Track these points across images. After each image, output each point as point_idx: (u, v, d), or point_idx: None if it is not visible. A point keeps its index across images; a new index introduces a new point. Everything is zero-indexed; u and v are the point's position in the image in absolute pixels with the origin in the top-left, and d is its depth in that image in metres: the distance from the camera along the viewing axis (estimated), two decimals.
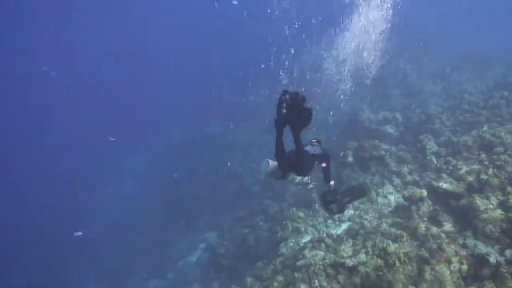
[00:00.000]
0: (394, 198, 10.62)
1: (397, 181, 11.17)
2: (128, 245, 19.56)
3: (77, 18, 40.66)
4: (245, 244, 13.21)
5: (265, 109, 24.82)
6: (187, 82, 37.82)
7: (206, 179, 20.47)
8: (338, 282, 7.39)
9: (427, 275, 6.09)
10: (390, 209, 10.21)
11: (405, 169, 11.49)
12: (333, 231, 10.19)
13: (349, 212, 10.93)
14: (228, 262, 13.64)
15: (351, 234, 9.36)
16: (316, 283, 7.48)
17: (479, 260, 6.22)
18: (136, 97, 42.69)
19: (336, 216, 10.92)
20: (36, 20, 39.79)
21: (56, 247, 22.03)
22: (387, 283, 6.29)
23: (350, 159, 12.52)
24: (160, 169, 25.24)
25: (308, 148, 5.36)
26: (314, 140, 5.74)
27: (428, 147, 11.75)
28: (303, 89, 4.23)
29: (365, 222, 9.53)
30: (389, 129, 14.71)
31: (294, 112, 4.13)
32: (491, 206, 7.63)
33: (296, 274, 8.20)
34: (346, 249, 8.26)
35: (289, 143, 4.70)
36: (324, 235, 9.62)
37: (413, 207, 8.86)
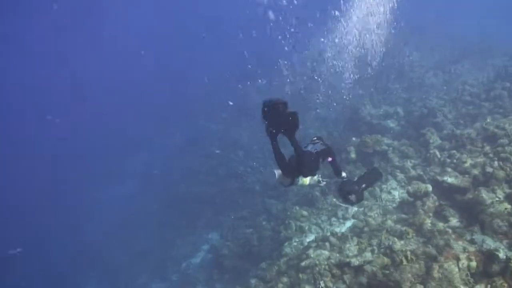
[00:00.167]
0: (398, 194, 10.46)
1: (400, 176, 11.00)
2: (129, 247, 19.44)
3: (75, 18, 40.71)
4: (248, 244, 13.12)
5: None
6: (186, 82, 37.68)
7: (207, 179, 20.33)
8: (344, 282, 7.25)
9: (435, 273, 5.94)
10: (394, 205, 10.05)
11: (408, 164, 11.32)
12: (337, 229, 10.06)
13: (352, 209, 10.80)
14: (232, 263, 13.54)
15: (356, 232, 9.22)
16: (322, 284, 7.34)
17: (487, 256, 6.06)
18: (135, 98, 42.46)
19: (340, 214, 10.80)
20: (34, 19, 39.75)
21: (56, 248, 22.16)
22: (395, 282, 6.14)
23: (353, 155, 12.40)
24: (160, 170, 25.11)
25: (309, 147, 5.35)
26: (315, 138, 5.72)
27: (431, 141, 11.59)
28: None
29: (370, 219, 9.37)
30: (391, 123, 14.55)
31: (280, 120, 4.12)
32: (497, 199, 7.46)
33: (300, 275, 8.06)
34: (351, 247, 8.12)
35: (290, 147, 4.65)
36: (328, 234, 9.48)
37: (418, 203, 8.71)
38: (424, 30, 25.64)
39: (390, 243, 7.40)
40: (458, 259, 6.06)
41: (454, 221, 7.79)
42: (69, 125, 42.07)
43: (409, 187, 9.18)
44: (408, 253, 6.66)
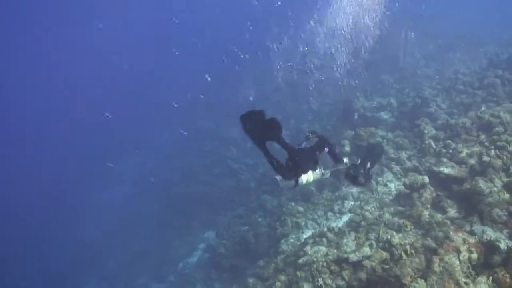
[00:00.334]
0: (394, 186, 10.33)
1: (396, 168, 10.87)
2: (126, 249, 19.28)
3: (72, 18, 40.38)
4: (245, 242, 12.96)
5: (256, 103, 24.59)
6: (175, 81, 37.47)
7: (201, 178, 20.13)
8: (343, 279, 7.11)
9: (436, 267, 5.80)
10: (391, 197, 9.92)
11: (403, 155, 11.18)
12: (334, 224, 9.92)
13: (349, 203, 10.67)
14: (229, 262, 13.37)
15: (353, 226, 9.08)
16: (320, 281, 7.19)
17: (488, 247, 5.94)
18: (125, 99, 42.10)
19: (336, 208, 10.66)
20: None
21: (56, 248, 22.03)
22: (395, 277, 6.00)
23: (347, 148, 12.25)
24: (154, 171, 24.89)
25: (304, 144, 5.32)
26: (308, 133, 5.64)
27: (425, 131, 11.45)
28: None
29: (367, 213, 9.23)
30: (385, 115, 14.43)
31: (261, 129, 4.15)
32: (495, 188, 7.34)
33: (298, 273, 7.91)
34: (349, 243, 7.97)
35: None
36: (325, 229, 9.33)
37: (415, 195, 8.58)
38: (417, 19, 25.54)
39: (389, 237, 7.27)
40: (458, 251, 5.93)
41: (452, 212, 7.67)
42: (66, 126, 41.87)
43: (406, 179, 9.04)
44: (408, 247, 6.51)
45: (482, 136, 9.69)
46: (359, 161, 5.67)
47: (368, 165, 5.54)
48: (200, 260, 15.52)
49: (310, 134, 5.57)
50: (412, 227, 7.72)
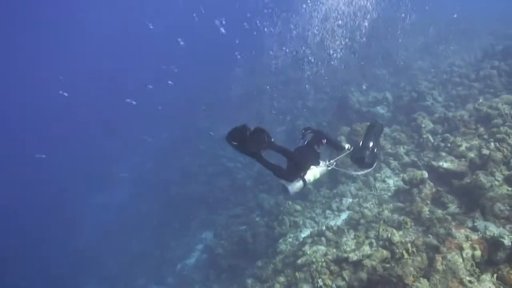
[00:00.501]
0: (393, 182, 10.15)
1: (394, 163, 10.67)
2: (124, 252, 19.15)
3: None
4: (243, 242, 12.77)
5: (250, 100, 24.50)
6: (170, 80, 37.28)
7: (198, 178, 19.95)
8: (343, 279, 6.92)
9: (439, 265, 5.63)
10: (389, 193, 9.74)
11: (401, 150, 11.00)
12: (332, 222, 9.74)
13: (347, 200, 10.50)
14: (227, 262, 13.18)
15: (352, 224, 8.90)
16: (320, 282, 7.01)
17: (492, 244, 5.76)
18: (121, 101, 41.88)
19: (334, 206, 10.48)
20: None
21: (55, 249, 21.92)
22: (397, 277, 5.83)
23: (344, 144, 12.07)
24: (151, 172, 24.76)
25: (300, 143, 5.29)
26: (303, 131, 5.60)
27: (423, 125, 11.27)
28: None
29: (366, 210, 9.03)
30: (381, 110, 14.26)
31: (250, 142, 4.16)
32: (496, 182, 7.17)
33: (297, 274, 7.73)
34: (349, 242, 7.79)
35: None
36: (324, 228, 9.14)
37: (415, 190, 8.40)
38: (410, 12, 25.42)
39: (389, 234, 7.09)
40: (461, 248, 5.75)
41: (453, 208, 7.49)
42: (65, 126, 41.65)
43: (404, 175, 8.86)
44: (409, 245, 6.33)
45: (481, 129, 9.54)
46: (361, 143, 5.59)
47: (371, 144, 5.45)
48: (198, 261, 15.35)
49: (305, 131, 5.51)
50: (412, 224, 7.56)
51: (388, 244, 6.98)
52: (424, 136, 10.70)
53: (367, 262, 6.77)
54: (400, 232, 7.30)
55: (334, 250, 7.83)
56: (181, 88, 32.28)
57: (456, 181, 8.05)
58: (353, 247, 7.58)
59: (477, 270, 5.57)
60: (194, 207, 18.14)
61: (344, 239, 8.05)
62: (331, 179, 11.40)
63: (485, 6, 28.29)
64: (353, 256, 7.16)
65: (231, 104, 25.64)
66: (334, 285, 6.97)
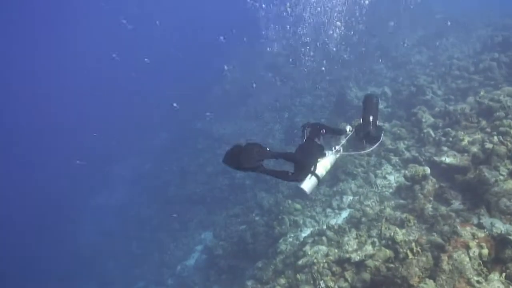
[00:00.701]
0: (394, 178, 9.96)
1: (395, 159, 10.48)
2: (123, 254, 19.06)
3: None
4: (243, 242, 12.61)
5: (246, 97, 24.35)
6: (165, 80, 37.17)
7: (196, 178, 19.75)
8: (346, 280, 6.72)
9: (445, 265, 5.42)
10: (391, 190, 9.55)
11: (402, 145, 10.80)
12: (333, 221, 9.55)
13: (347, 198, 10.30)
14: (227, 263, 13.05)
15: (353, 222, 8.70)
16: (322, 284, 6.81)
17: (499, 241, 5.56)
18: (119, 101, 41.64)
19: (335, 204, 10.28)
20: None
21: (52, 255, 21.71)
22: (401, 278, 5.62)
23: (342, 141, 11.87)
24: (149, 173, 24.58)
25: (301, 141, 5.18)
26: (302, 128, 5.45)
27: (423, 119, 11.04)
28: None
29: (367, 208, 8.83)
30: (379, 105, 14.02)
31: (248, 159, 4.18)
32: (501, 177, 6.95)
33: (299, 276, 7.52)
34: (350, 241, 7.59)
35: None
36: (325, 227, 8.93)
37: (417, 187, 8.17)
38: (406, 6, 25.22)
39: (392, 233, 6.88)
40: (468, 247, 5.54)
41: (457, 204, 7.29)
42: (63, 127, 41.40)
43: (406, 171, 8.61)
44: (413, 244, 6.13)
45: (483, 122, 9.33)
46: (361, 120, 5.46)
47: (371, 118, 5.32)
48: (198, 262, 15.19)
49: (304, 128, 5.36)
50: (415, 221, 7.37)
51: (391, 243, 6.78)
52: (425, 130, 10.49)
53: (370, 262, 6.56)
54: (403, 230, 7.11)
55: (336, 250, 7.63)
56: (178, 87, 32.07)
57: (459, 176, 7.83)
58: (355, 247, 7.39)
59: (484, 270, 5.36)
60: (193, 207, 17.98)
61: (346, 238, 7.84)
62: (331, 176, 11.20)
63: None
64: (355, 256, 6.96)
65: (227, 101, 25.51)
66: (336, 287, 6.77)
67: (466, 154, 8.33)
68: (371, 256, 6.73)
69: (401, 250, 6.40)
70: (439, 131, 10.25)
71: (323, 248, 7.98)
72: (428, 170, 8.23)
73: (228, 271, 12.92)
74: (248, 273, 11.24)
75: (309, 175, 4.70)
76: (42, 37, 45.48)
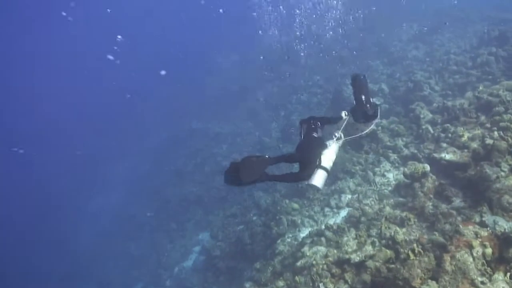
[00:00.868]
0: (393, 176, 9.77)
1: (393, 156, 10.29)
2: (121, 256, 18.89)
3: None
4: (241, 242, 12.47)
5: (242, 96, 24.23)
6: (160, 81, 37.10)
7: (194, 178, 19.58)
8: (346, 282, 6.55)
9: (448, 266, 5.26)
10: (390, 188, 9.37)
11: (400, 142, 10.61)
12: (332, 221, 9.38)
13: (346, 196, 10.13)
14: (225, 264, 12.91)
15: (352, 222, 8.53)
16: (321, 286, 6.64)
17: (503, 240, 5.40)
18: (113, 104, 41.40)
19: (334, 203, 10.10)
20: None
21: (49, 261, 21.63)
22: (403, 280, 5.46)
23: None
24: (146, 173, 24.40)
25: (299, 139, 5.11)
26: (299, 125, 5.39)
27: (421, 115, 10.87)
28: None
29: (366, 207, 8.66)
30: (377, 101, 13.84)
31: (249, 172, 4.08)
32: (503, 173, 6.79)
33: (297, 278, 7.34)
34: (350, 242, 7.41)
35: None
36: (323, 227, 8.75)
37: (416, 185, 8.01)
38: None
39: (392, 233, 6.72)
40: (471, 247, 5.39)
41: (458, 201, 7.12)
42: (58, 131, 41.22)
43: (405, 169, 8.44)
44: (414, 245, 5.96)
45: (482, 117, 9.18)
46: (354, 103, 5.44)
47: (364, 97, 5.27)
48: (196, 263, 15.02)
49: (300, 125, 5.30)
50: (416, 220, 7.19)
51: (392, 243, 6.61)
52: (423, 127, 10.32)
53: (370, 263, 6.39)
54: (404, 230, 6.95)
55: (335, 251, 7.45)
56: (173, 86, 31.98)
57: (460, 173, 7.67)
58: (354, 247, 7.21)
59: (488, 270, 5.21)
60: (191, 208, 17.80)
61: (345, 238, 7.67)
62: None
63: None
64: (355, 257, 6.79)
65: (224, 100, 25.37)
66: None
67: (466, 150, 8.16)
68: (371, 257, 6.56)
69: (402, 250, 6.24)
70: (438, 127, 10.08)
71: (322, 249, 7.82)
72: (428, 168, 8.07)
73: (226, 272, 12.77)
74: (246, 274, 11.08)
75: (317, 170, 4.65)
76: (42, 36, 45.13)
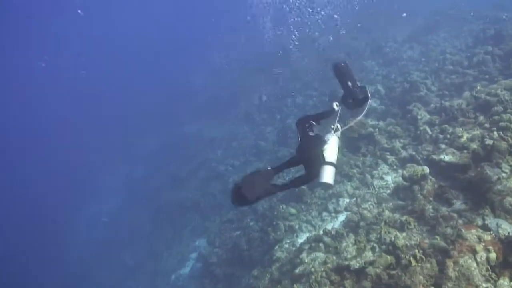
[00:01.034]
0: (391, 178, 9.59)
1: (391, 159, 10.13)
2: (117, 264, 18.59)
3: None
4: (238, 248, 12.25)
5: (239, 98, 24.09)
6: (153, 86, 36.97)
7: (189, 184, 19.35)
8: None
9: (451, 272, 5.07)
10: (389, 191, 9.19)
11: (398, 144, 10.46)
12: (330, 225, 9.19)
13: (344, 200, 9.94)
14: (222, 271, 12.69)
15: (351, 226, 8.33)
16: None
17: (507, 244, 5.22)
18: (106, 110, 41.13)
19: (331, 207, 9.91)
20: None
21: (45, 269, 21.53)
22: (404, 287, 5.27)
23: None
24: (141, 180, 24.18)
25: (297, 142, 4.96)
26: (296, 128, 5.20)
27: (419, 116, 10.73)
28: None
29: (365, 211, 8.47)
30: (373, 103, 13.69)
31: (255, 188, 3.98)
32: (504, 174, 6.64)
33: (296, 286, 7.13)
34: (349, 248, 7.20)
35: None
36: (321, 233, 8.55)
37: (416, 187, 7.83)
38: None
39: (392, 238, 6.53)
40: (474, 252, 5.21)
41: (459, 204, 6.96)
42: (43, 144, 40.80)
43: (404, 171, 8.25)
44: (416, 251, 5.77)
45: (481, 117, 9.02)
46: (343, 92, 5.34)
47: (350, 83, 5.18)
48: (193, 270, 14.77)
49: (297, 127, 5.13)
50: (416, 223, 7.01)
51: (392, 248, 6.42)
52: (421, 128, 10.18)
53: (370, 270, 6.20)
54: (404, 234, 6.77)
55: (334, 257, 7.26)
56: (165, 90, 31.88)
57: (459, 174, 7.51)
58: (354, 253, 7.01)
59: (493, 275, 5.03)
60: (187, 214, 17.54)
61: (344, 244, 7.47)
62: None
63: None
64: (355, 264, 6.58)
65: (220, 103, 25.24)
66: None
67: (465, 151, 8.00)
68: (372, 263, 6.36)
69: (402, 255, 6.05)
70: (435, 128, 9.94)
71: (321, 255, 7.62)
72: (427, 170, 7.89)
73: (223, 279, 12.56)
74: (244, 281, 10.89)
75: (323, 166, 4.53)
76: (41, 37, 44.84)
